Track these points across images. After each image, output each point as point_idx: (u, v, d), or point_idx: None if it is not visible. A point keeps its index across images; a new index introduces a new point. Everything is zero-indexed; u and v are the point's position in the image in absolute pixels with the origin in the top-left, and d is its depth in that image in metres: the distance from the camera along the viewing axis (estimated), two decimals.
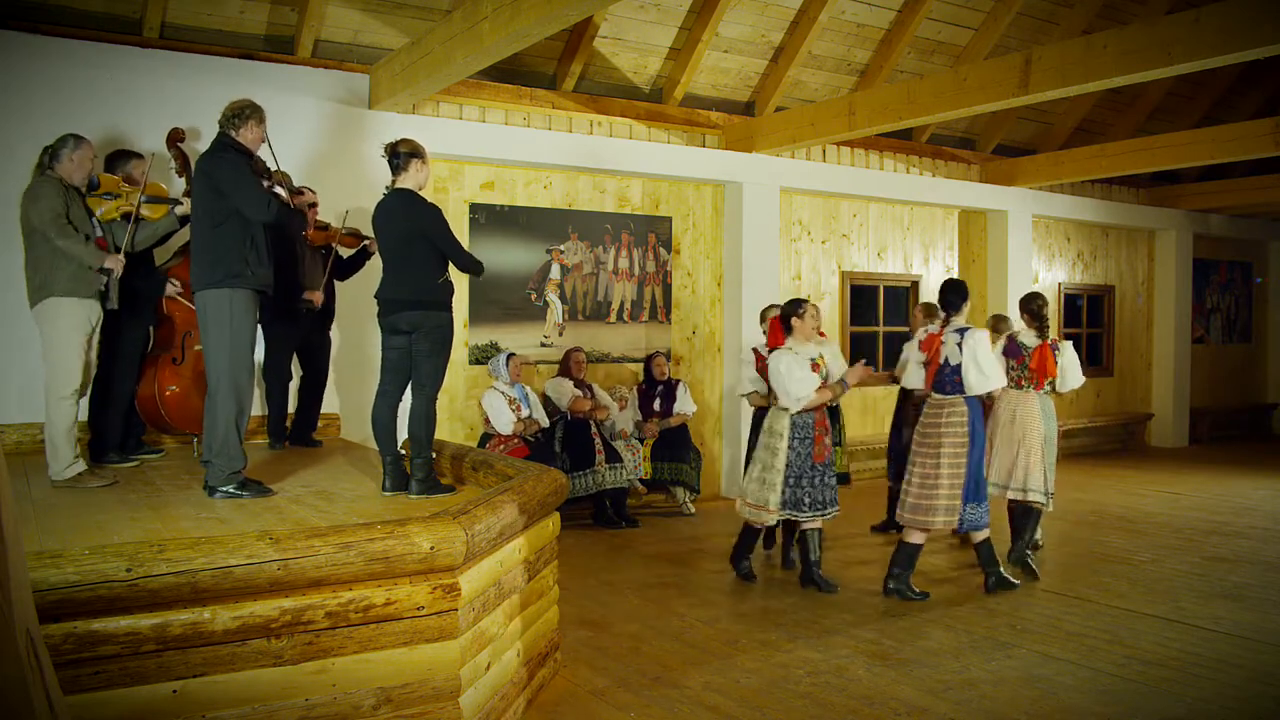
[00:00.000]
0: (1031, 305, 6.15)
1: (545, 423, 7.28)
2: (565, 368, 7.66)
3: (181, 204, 5.12)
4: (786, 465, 5.49)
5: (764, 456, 5.60)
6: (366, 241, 6.16)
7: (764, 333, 6.46)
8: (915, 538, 5.52)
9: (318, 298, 5.93)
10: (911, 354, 5.86)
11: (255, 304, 4.43)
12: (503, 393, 7.09)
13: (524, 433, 7.04)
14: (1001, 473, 6.05)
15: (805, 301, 5.63)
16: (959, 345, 5.44)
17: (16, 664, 1.02)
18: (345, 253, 6.26)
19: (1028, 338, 6.12)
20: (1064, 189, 11.23)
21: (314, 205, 6.07)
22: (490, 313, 7.75)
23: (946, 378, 5.49)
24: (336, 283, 6.28)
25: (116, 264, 4.78)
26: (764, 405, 6.18)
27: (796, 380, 5.39)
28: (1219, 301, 13.82)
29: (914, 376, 5.72)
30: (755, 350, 6.70)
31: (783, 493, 5.50)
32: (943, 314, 5.68)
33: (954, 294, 5.63)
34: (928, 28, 8.91)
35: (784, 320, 5.65)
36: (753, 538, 5.93)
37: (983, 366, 5.38)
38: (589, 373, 7.89)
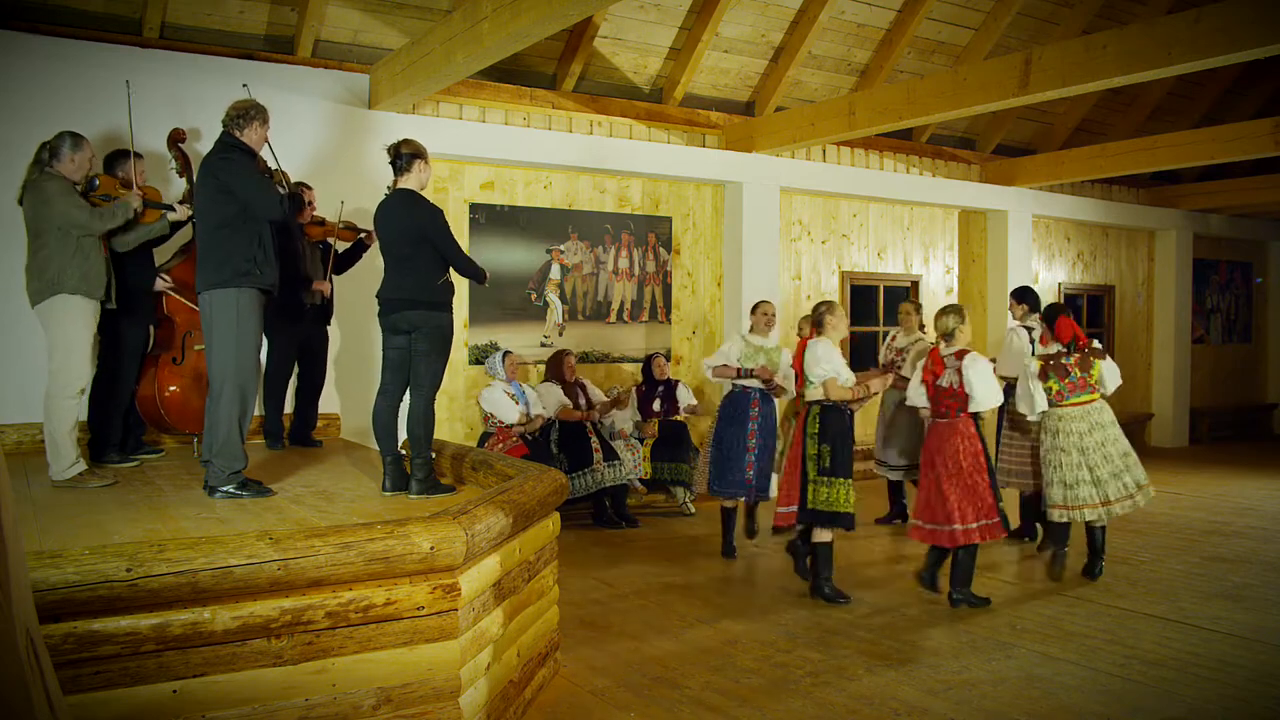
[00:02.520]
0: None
1: (550, 413, 7.29)
2: (556, 372, 7.61)
3: (175, 210, 5.12)
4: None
5: (1065, 457, 5.73)
6: (363, 234, 6.16)
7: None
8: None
9: (325, 287, 5.96)
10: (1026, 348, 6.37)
11: (261, 303, 4.43)
12: (503, 390, 7.10)
13: (525, 427, 7.04)
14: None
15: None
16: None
17: (16, 664, 1.02)
18: (341, 246, 6.25)
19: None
20: (1064, 189, 11.22)
21: (310, 203, 6.07)
22: (490, 313, 7.75)
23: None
24: (335, 279, 6.28)
25: (135, 199, 4.93)
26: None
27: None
28: (1219, 301, 13.80)
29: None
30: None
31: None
32: (1035, 314, 6.53)
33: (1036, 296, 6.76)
34: (928, 28, 8.90)
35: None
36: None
37: None
38: (585, 371, 7.89)
